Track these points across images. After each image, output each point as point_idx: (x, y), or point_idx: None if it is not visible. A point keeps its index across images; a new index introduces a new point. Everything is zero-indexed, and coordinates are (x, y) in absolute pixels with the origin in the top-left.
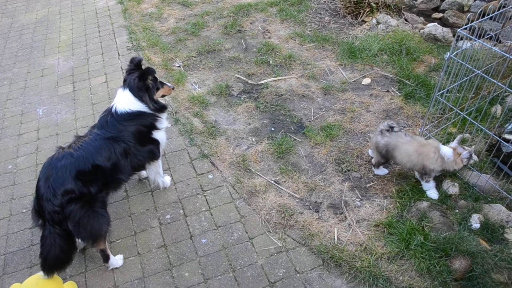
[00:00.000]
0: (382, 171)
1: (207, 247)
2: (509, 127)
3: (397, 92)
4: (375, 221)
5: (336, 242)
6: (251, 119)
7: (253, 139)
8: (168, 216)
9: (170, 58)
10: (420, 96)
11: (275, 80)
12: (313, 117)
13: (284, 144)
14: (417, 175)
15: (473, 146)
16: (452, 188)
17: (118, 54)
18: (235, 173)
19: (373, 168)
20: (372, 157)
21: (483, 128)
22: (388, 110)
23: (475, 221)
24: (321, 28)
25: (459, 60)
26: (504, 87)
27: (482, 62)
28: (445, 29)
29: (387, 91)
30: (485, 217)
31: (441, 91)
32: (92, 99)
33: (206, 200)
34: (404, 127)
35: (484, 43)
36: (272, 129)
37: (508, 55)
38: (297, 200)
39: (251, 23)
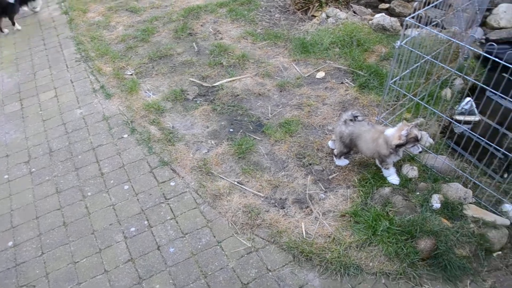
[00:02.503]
0: (343, 161)
1: (176, 256)
2: (459, 108)
3: (351, 83)
4: (341, 212)
5: (304, 237)
6: (209, 122)
7: (213, 142)
8: (132, 229)
9: (122, 67)
10: (373, 86)
11: (230, 81)
12: (271, 114)
13: (244, 144)
14: (377, 162)
15: (414, 122)
16: (411, 171)
17: (67, 66)
18: (197, 178)
19: (334, 159)
20: (332, 149)
21: (435, 111)
22: (344, 102)
23: (436, 201)
24: (272, 25)
25: (409, 48)
26: (452, 70)
27: (430, 48)
28: (392, 18)
29: (342, 83)
30: (444, 197)
31: (394, 79)
32: (43, 115)
33: (171, 208)
34: (367, 116)
35: (430, 29)
36: (231, 130)
37: (453, 40)
38: (262, 199)
39: (201, 25)
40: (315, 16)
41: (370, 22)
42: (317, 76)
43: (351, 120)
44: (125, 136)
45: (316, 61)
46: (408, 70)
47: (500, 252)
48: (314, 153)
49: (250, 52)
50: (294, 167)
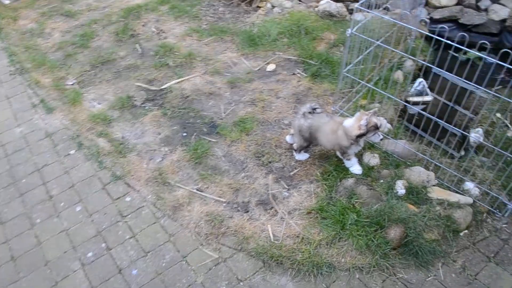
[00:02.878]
0: (303, 156)
1: (140, 278)
2: (412, 90)
3: (303, 74)
4: (306, 209)
5: (272, 240)
6: (160, 128)
7: (166, 149)
8: (90, 254)
9: (61, 77)
10: (326, 74)
11: (179, 82)
12: (224, 113)
13: (200, 148)
14: (338, 154)
15: (372, 110)
16: (373, 159)
17: (0, 81)
18: (154, 189)
19: (294, 153)
20: (291, 144)
21: (389, 95)
22: (297, 94)
23: (400, 188)
24: (217, 20)
25: (360, 35)
26: (400, 52)
27: (380, 32)
28: (338, 4)
29: (293, 74)
30: (408, 182)
31: (347, 67)
32: None
33: (129, 226)
34: (322, 106)
35: (377, 14)
36: (184, 134)
37: (399, 22)
38: (224, 205)
39: (143, 25)
40: (260, 7)
41: (316, 9)
42: (268, 69)
43: (309, 112)
44: (72, 152)
45: (265, 54)
46: (360, 57)
47: (466, 231)
48: (273, 150)
49: (196, 49)
50: (254, 167)
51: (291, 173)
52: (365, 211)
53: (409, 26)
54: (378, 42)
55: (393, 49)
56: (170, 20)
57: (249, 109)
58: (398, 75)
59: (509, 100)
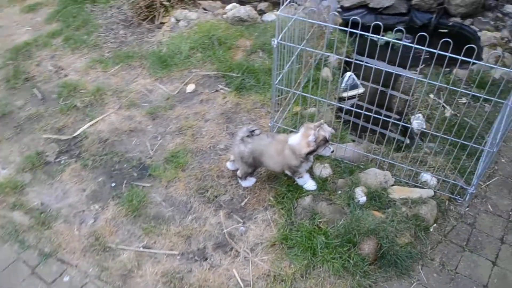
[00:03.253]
0: (250, 181)
1: None
2: (343, 85)
3: (226, 89)
4: (269, 241)
5: (243, 286)
6: (83, 183)
7: (97, 207)
8: None
9: None
10: (251, 85)
11: (92, 125)
12: (152, 151)
13: (135, 197)
14: (289, 173)
15: (318, 123)
16: (324, 170)
17: None
18: (94, 260)
19: (240, 181)
20: (233, 170)
21: (319, 99)
22: (226, 112)
23: (361, 195)
24: (120, 45)
25: (287, 43)
26: (321, 52)
27: (299, 32)
28: (247, 7)
29: (216, 91)
30: (366, 187)
31: (278, 78)
32: None
33: None
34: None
35: (301, 18)
36: (113, 184)
37: (317, 22)
38: (178, 258)
39: (37, 65)
40: (164, 23)
41: (225, 16)
42: (188, 90)
43: (247, 136)
44: None
45: (181, 74)
46: (288, 65)
47: (435, 225)
48: (216, 182)
49: (104, 83)
50: (200, 206)
51: (242, 204)
52: (333, 231)
53: (325, 23)
54: (301, 47)
55: (315, 51)
56: (67, 53)
57: (178, 140)
58: (326, 72)
59: (433, 82)
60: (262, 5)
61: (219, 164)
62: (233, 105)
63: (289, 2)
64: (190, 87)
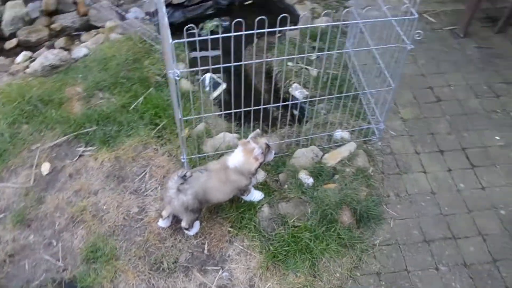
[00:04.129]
0: (196, 226)
1: None
2: (208, 89)
3: (90, 148)
4: (261, 267)
5: None
6: None
7: None
8: None
9: None
10: (115, 131)
11: None
12: (60, 261)
13: None
14: (239, 195)
15: (253, 134)
16: (258, 175)
17: None
18: None
19: (187, 232)
20: (168, 226)
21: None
22: (110, 172)
23: (307, 178)
24: None
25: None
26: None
27: None
28: (54, 51)
29: (80, 156)
30: (305, 168)
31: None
32: None
33: None
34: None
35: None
36: None
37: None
38: None
39: None
40: None
41: (29, 71)
42: (45, 172)
43: (182, 183)
44: None
45: (21, 158)
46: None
47: (372, 168)
48: (162, 248)
49: None
50: (167, 282)
51: (206, 252)
52: (310, 222)
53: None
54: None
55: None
56: None
57: (81, 231)
58: (187, 85)
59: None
60: (58, 43)
61: (149, 229)
62: (112, 161)
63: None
64: (45, 167)
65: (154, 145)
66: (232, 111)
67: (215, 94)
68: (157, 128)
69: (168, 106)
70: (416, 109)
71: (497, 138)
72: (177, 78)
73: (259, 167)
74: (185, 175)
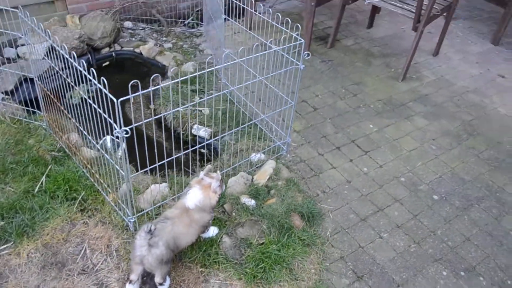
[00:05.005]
0: (168, 279)
1: None
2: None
3: (7, 245)
4: None
5: None
6: None
7: None
8: None
9: None
10: (31, 218)
11: None
12: None
13: None
14: (202, 235)
15: (206, 170)
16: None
17: None
18: None
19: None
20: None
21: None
22: (46, 263)
23: (249, 201)
24: None
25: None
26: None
27: None
28: None
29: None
30: (243, 193)
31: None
32: None
33: None
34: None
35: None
36: None
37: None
38: None
39: None
40: None
41: None
42: None
43: (151, 238)
44: None
45: None
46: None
47: (293, 176)
48: None
49: None
50: None
51: None
52: (271, 236)
53: None
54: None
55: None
56: None
57: None
58: (90, 153)
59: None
60: None
61: None
62: (41, 250)
63: None
64: None
65: (81, 219)
66: (148, 168)
67: (119, 154)
68: (77, 202)
69: (81, 177)
70: (302, 121)
71: (371, 126)
72: (127, 135)
73: (218, 200)
74: (150, 230)
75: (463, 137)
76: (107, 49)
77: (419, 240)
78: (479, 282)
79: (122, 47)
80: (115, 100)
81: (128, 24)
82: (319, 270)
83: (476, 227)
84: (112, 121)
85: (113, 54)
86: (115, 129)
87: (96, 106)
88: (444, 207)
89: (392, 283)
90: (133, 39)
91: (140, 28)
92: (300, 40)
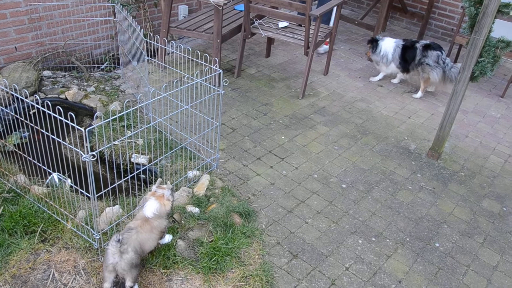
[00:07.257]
0: (136, 286)
1: None
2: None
3: None
4: (204, 281)
5: None
6: None
7: None
8: None
9: None
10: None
11: None
12: None
13: None
14: (160, 241)
15: (158, 182)
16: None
17: None
18: None
19: None
20: None
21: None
22: None
23: (194, 209)
24: None
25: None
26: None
27: None
28: None
29: None
30: (187, 203)
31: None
32: None
33: None
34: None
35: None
36: None
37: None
38: None
39: None
40: None
41: None
42: None
43: (121, 246)
44: None
45: None
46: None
47: (226, 185)
48: None
49: None
50: None
51: None
52: (218, 234)
53: None
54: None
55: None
56: None
57: None
58: (38, 189)
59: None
60: None
61: None
62: (10, 281)
63: None
64: None
65: (44, 248)
66: (102, 192)
67: (66, 189)
68: (37, 234)
69: (36, 211)
70: (224, 140)
71: (283, 137)
72: (94, 159)
73: (172, 206)
74: (119, 240)
75: (358, 136)
76: (32, 97)
77: (337, 220)
78: (387, 243)
79: (46, 95)
80: (82, 129)
81: (47, 73)
82: (262, 255)
83: (378, 203)
84: (79, 150)
85: (39, 101)
86: (82, 155)
87: (56, 137)
88: (351, 192)
89: (322, 255)
90: (56, 86)
91: (60, 76)
92: (218, 70)
